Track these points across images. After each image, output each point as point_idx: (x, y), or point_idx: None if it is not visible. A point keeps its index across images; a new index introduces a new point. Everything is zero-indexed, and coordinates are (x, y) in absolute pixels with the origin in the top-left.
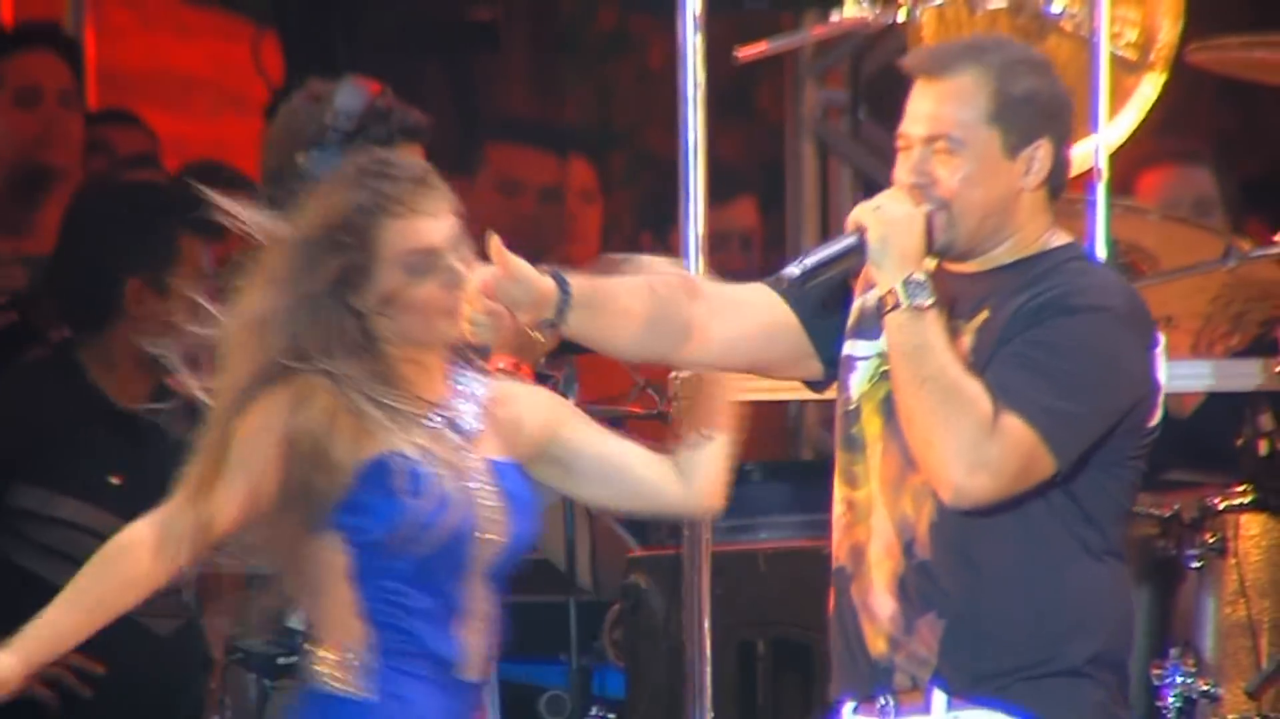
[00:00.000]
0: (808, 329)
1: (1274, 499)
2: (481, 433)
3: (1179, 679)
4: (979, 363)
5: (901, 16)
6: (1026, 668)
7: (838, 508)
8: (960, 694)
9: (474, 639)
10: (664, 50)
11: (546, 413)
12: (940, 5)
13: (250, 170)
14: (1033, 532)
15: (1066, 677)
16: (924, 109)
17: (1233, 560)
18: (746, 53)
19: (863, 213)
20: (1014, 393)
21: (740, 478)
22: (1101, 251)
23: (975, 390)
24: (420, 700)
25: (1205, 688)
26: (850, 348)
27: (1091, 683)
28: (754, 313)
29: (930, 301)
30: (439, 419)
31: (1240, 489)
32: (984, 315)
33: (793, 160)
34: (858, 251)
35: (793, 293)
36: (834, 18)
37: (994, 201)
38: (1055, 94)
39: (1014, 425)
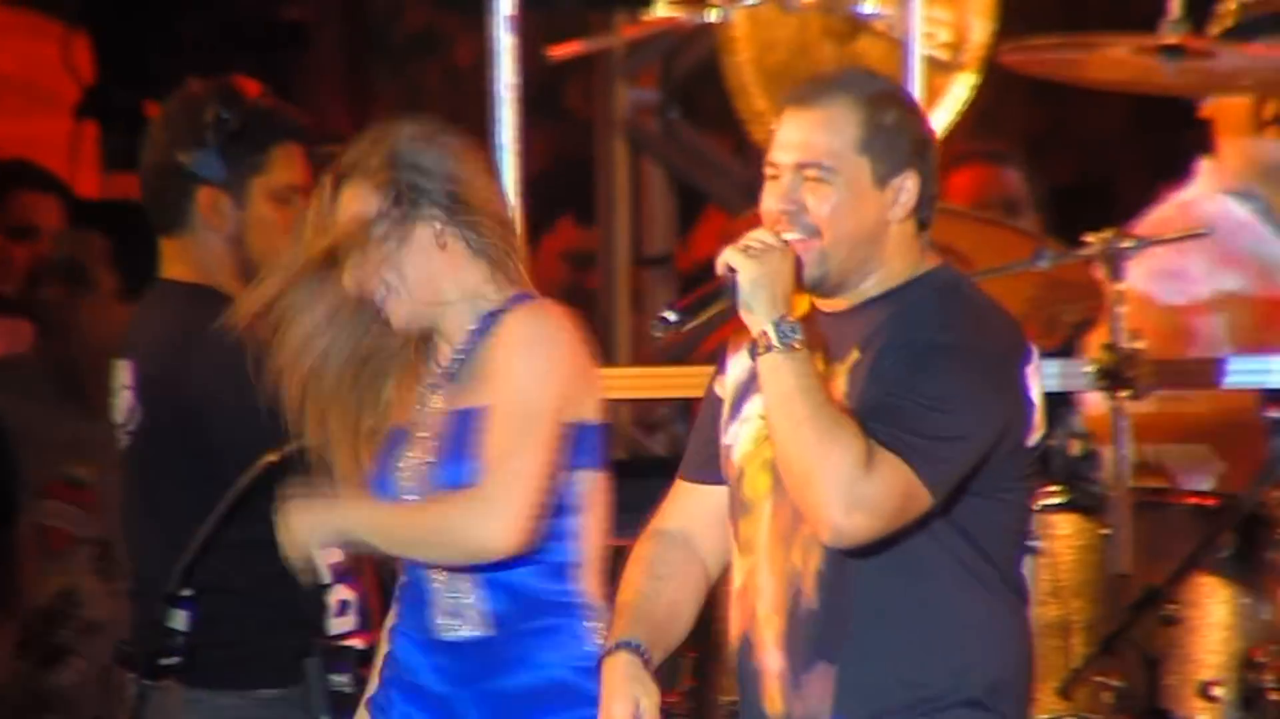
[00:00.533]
0: (708, 469)
1: (1086, 500)
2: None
3: None
4: (853, 404)
5: (713, 16)
6: (925, 703)
7: (737, 579)
8: None
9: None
10: (472, 49)
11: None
12: (752, 5)
13: (59, 170)
14: (919, 567)
15: (966, 709)
16: (794, 137)
17: (1045, 561)
18: (559, 52)
19: (731, 254)
20: (885, 430)
21: None
22: None
23: (850, 430)
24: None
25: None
26: (734, 423)
27: (991, 715)
28: (710, 523)
29: (801, 342)
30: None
31: (1052, 490)
32: (854, 355)
33: (604, 160)
34: (728, 294)
35: (703, 473)
36: (646, 18)
37: (864, 232)
38: (922, 127)
39: (888, 462)
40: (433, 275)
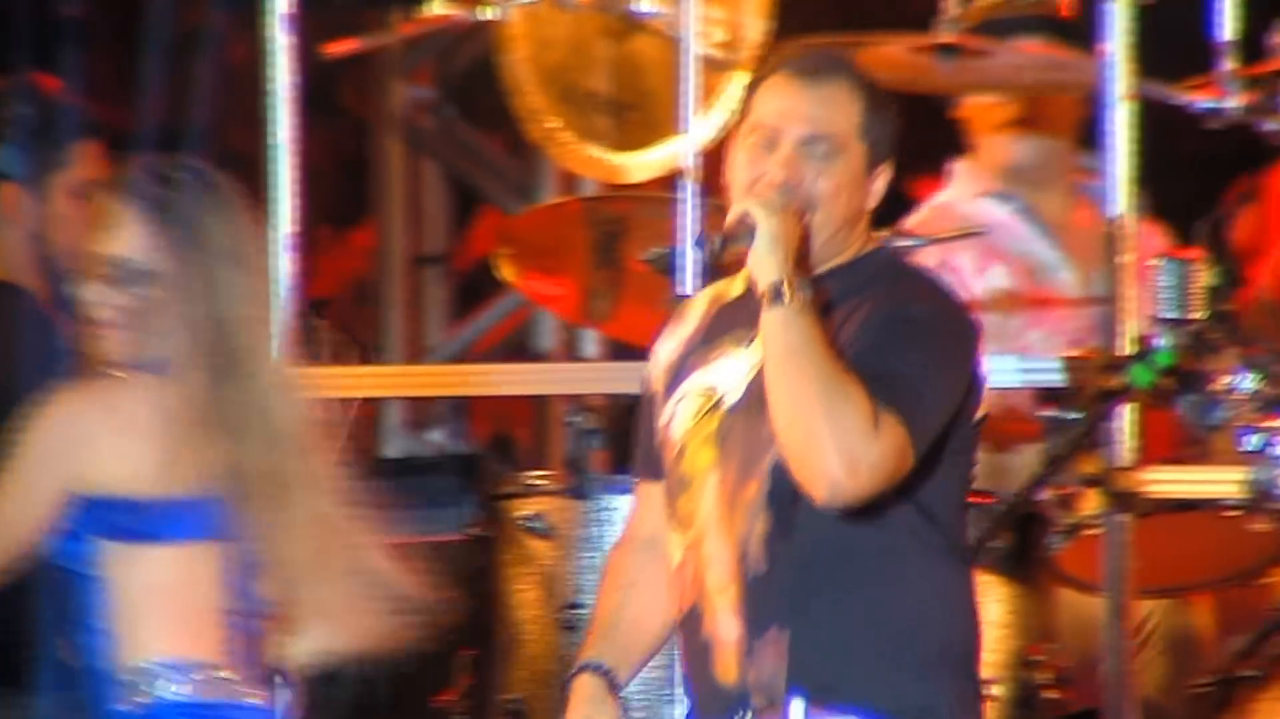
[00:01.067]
0: (660, 466)
1: None
2: None
3: None
4: None
5: (489, 14)
6: (878, 669)
7: (675, 555)
8: (818, 702)
9: None
10: (247, 47)
11: None
12: (529, 3)
13: None
14: (871, 532)
15: (918, 675)
16: (802, 109)
17: None
18: (334, 50)
19: (752, 205)
20: (885, 394)
21: None
22: (690, 254)
23: (859, 390)
24: None
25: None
26: (672, 400)
27: (943, 679)
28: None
29: (809, 300)
30: None
31: None
32: None
33: (380, 158)
34: (744, 240)
35: (657, 470)
36: (422, 15)
37: (849, 217)
38: (898, 119)
39: (890, 423)
40: None
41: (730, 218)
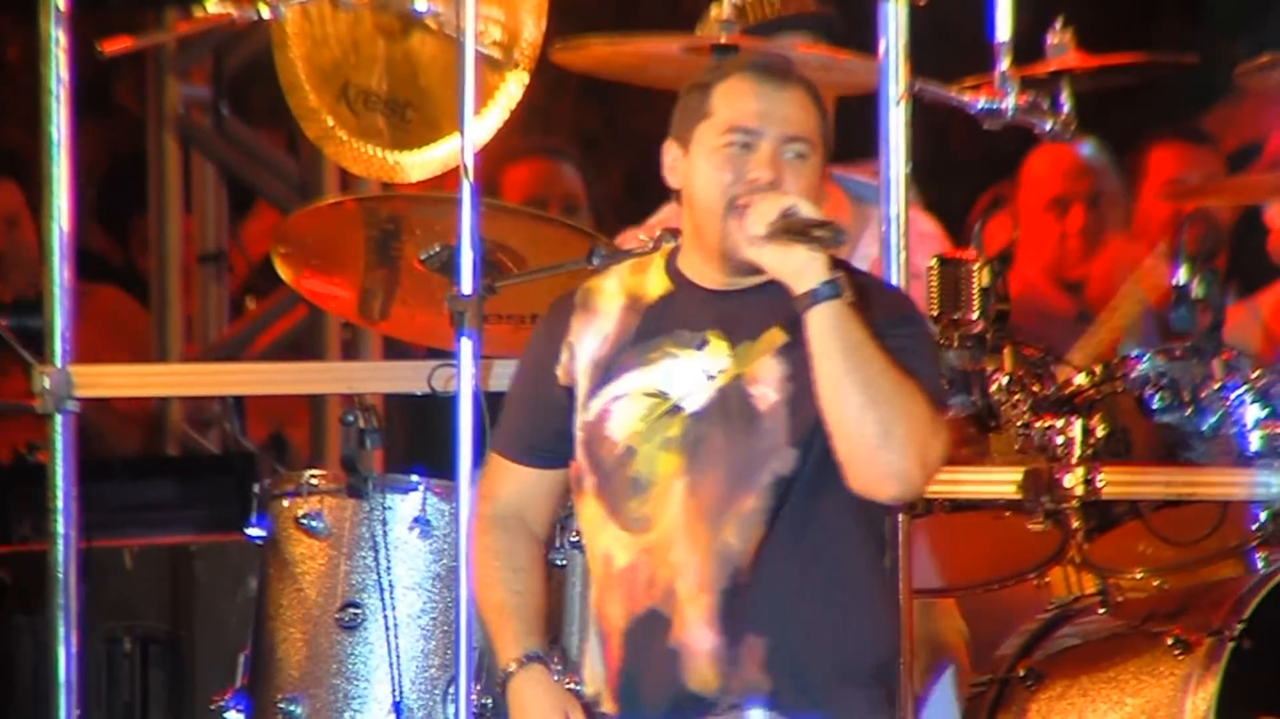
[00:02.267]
0: (551, 455)
1: None
2: None
3: None
4: (803, 384)
5: (265, 13)
6: (835, 679)
7: (621, 556)
8: (785, 709)
9: None
10: (22, 45)
11: None
12: (304, 2)
13: None
14: (838, 539)
15: (865, 684)
16: (779, 109)
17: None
18: (110, 48)
19: (795, 202)
20: (932, 395)
21: (107, 474)
22: (469, 251)
23: (916, 391)
24: None
25: (572, 685)
26: (604, 396)
27: (881, 689)
28: (543, 503)
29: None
30: None
31: None
32: (781, 337)
33: (155, 157)
34: (829, 239)
35: (537, 457)
36: (198, 13)
37: None
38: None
39: (944, 425)
40: None
41: (767, 212)
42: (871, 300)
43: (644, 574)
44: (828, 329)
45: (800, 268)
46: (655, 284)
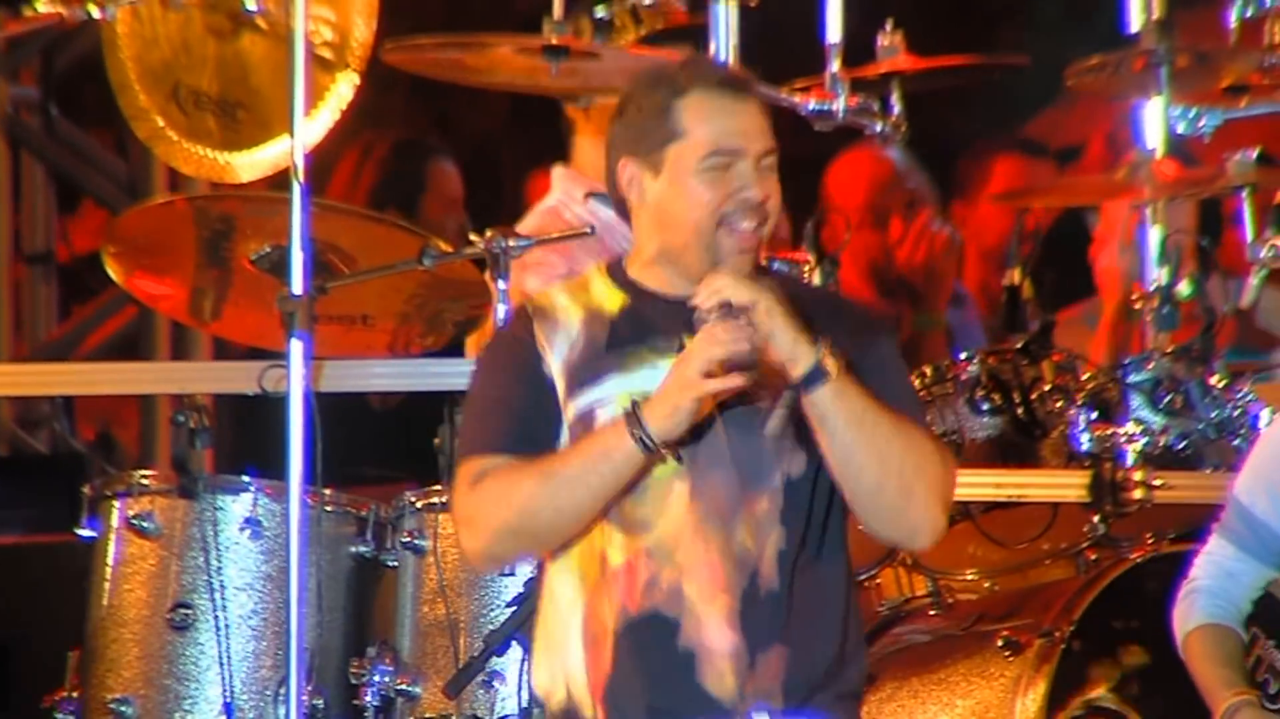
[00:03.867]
0: (543, 442)
1: None
2: None
3: (378, 678)
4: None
5: (94, 13)
6: (832, 688)
7: (617, 556)
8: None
9: None
10: None
11: None
12: (134, 2)
13: None
14: (844, 551)
15: (850, 694)
16: (755, 124)
17: (431, 559)
18: None
19: (728, 285)
20: (925, 423)
21: None
22: (300, 252)
23: (922, 431)
24: None
25: (404, 686)
26: (583, 400)
27: (856, 700)
28: None
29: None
30: None
31: (438, 488)
32: None
33: None
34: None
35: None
36: (27, 14)
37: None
38: None
39: (948, 451)
40: None
41: (706, 298)
42: (840, 317)
43: (643, 575)
44: (828, 411)
45: (788, 354)
46: (609, 298)
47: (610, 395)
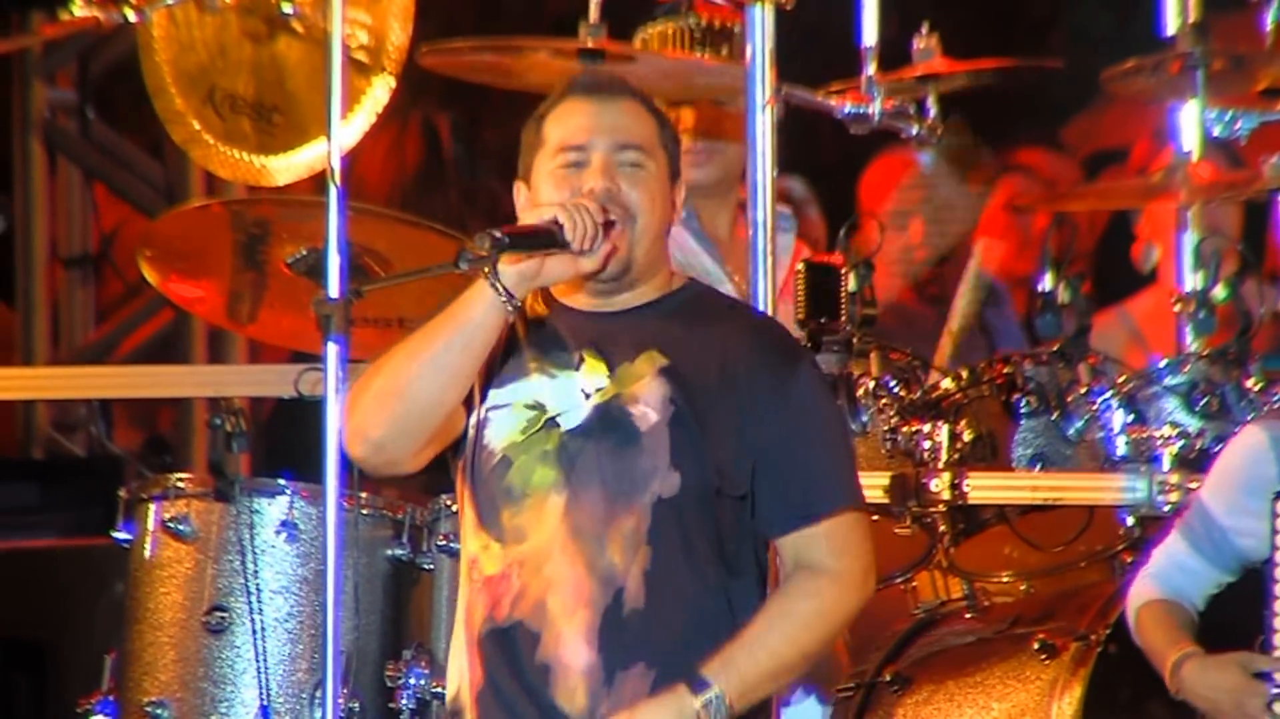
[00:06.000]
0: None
1: None
2: None
3: (414, 681)
4: (683, 407)
5: (130, 17)
6: None
7: (491, 565)
8: None
9: None
10: None
11: None
12: (170, 6)
13: None
14: (734, 572)
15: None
16: (605, 120)
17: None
18: None
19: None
20: (838, 493)
21: None
22: (336, 255)
23: (820, 618)
24: None
25: (440, 689)
26: (487, 403)
27: None
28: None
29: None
30: None
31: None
32: (660, 359)
33: (21, 160)
34: (554, 239)
35: None
36: (64, 17)
37: (663, 226)
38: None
39: (856, 534)
40: None
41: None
42: (757, 339)
43: (514, 585)
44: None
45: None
46: (537, 303)
47: (508, 401)
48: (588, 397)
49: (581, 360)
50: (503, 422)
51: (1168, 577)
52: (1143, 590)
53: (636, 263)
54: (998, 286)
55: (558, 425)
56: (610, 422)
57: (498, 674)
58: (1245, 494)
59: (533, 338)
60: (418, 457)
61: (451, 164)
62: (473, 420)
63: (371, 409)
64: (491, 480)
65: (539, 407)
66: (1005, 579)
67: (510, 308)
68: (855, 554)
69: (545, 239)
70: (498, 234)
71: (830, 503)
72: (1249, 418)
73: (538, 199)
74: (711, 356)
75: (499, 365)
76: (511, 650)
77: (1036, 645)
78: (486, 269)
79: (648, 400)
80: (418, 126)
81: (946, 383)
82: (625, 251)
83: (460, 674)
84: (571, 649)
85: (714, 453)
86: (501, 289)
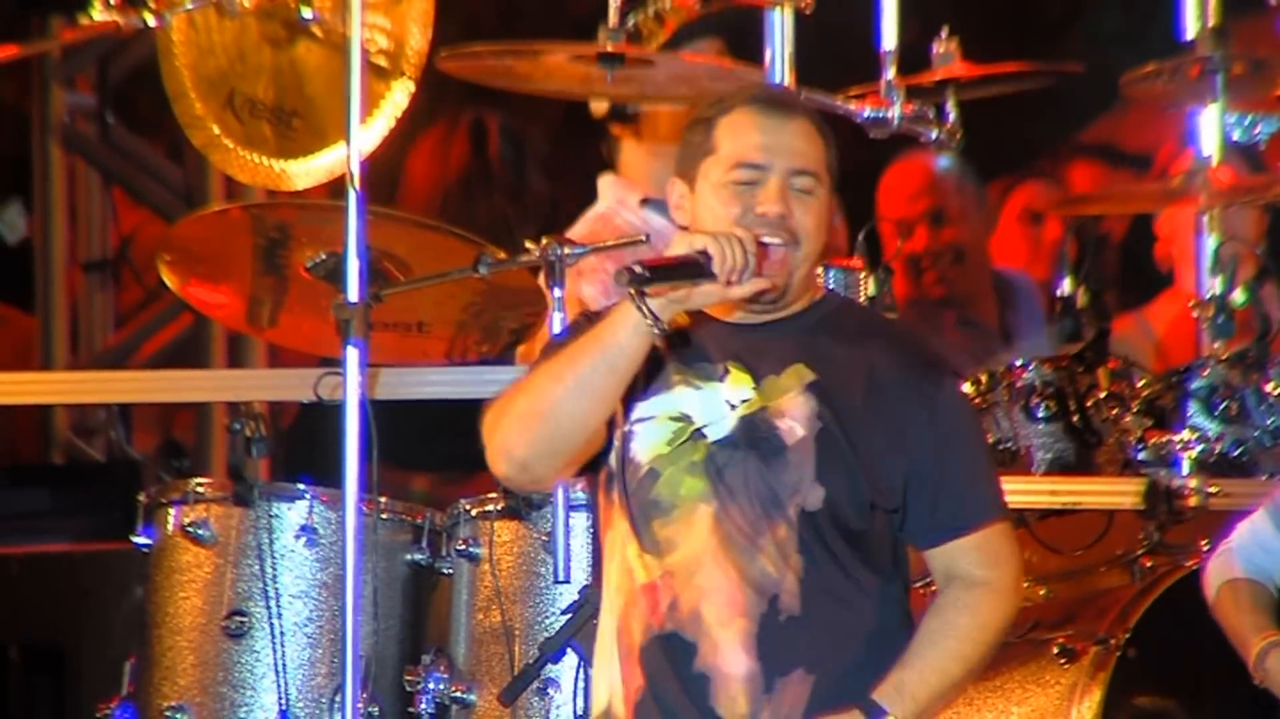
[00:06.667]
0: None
1: (524, 506)
2: None
3: (433, 685)
4: (829, 422)
5: (150, 21)
6: None
7: (641, 575)
8: None
9: None
10: None
11: None
12: (190, 10)
13: None
14: (883, 582)
15: None
16: (785, 142)
17: (486, 567)
18: None
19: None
20: (988, 506)
21: None
22: (355, 260)
23: (969, 645)
24: None
25: (459, 694)
26: (631, 417)
27: None
28: None
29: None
30: None
31: (493, 496)
32: (807, 373)
33: (40, 165)
34: (697, 274)
35: None
36: (83, 21)
37: (822, 252)
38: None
39: (1006, 545)
40: None
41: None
42: (900, 352)
43: (665, 596)
44: None
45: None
46: (680, 314)
47: (653, 414)
48: (733, 408)
49: (726, 372)
50: (649, 434)
51: (1250, 554)
52: (1224, 566)
53: (794, 286)
54: (1021, 288)
55: (704, 437)
56: (756, 434)
57: (660, 682)
58: None
59: (676, 350)
60: (560, 474)
61: (498, 165)
62: (617, 435)
63: (515, 429)
64: (640, 492)
65: (685, 418)
66: (1025, 583)
67: (656, 331)
68: (1007, 563)
69: (691, 270)
70: (638, 269)
71: (981, 515)
72: (1268, 421)
73: (701, 205)
74: (858, 371)
75: (643, 379)
76: (669, 660)
77: (1056, 650)
78: (633, 291)
79: (794, 415)
80: (467, 127)
81: (966, 388)
82: (786, 276)
83: (611, 685)
84: (730, 658)
85: (865, 468)
86: (648, 312)
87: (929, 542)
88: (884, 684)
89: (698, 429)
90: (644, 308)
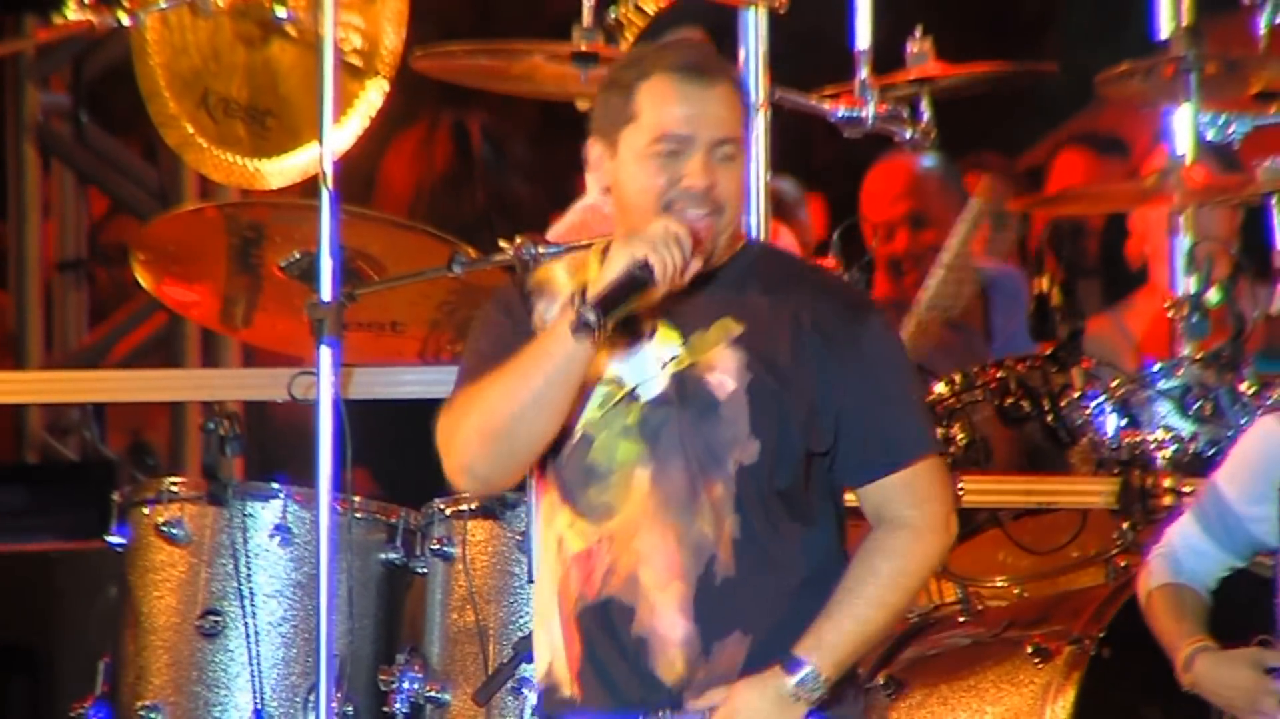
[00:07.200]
0: None
1: (499, 506)
2: None
3: (408, 685)
4: (760, 374)
5: (124, 21)
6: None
7: (576, 542)
8: None
9: None
10: None
11: None
12: (164, 9)
13: None
14: (823, 537)
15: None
16: (709, 112)
17: (460, 566)
18: None
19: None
20: (919, 441)
21: None
22: (329, 259)
23: (902, 577)
24: None
25: (433, 693)
26: None
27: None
28: None
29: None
30: None
31: (467, 495)
32: (734, 327)
33: (14, 164)
34: (642, 287)
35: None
36: (58, 21)
37: (741, 217)
38: None
39: (938, 479)
40: None
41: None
42: (827, 294)
43: (603, 561)
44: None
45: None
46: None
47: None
48: (663, 366)
49: (654, 331)
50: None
51: (1179, 559)
52: (1155, 570)
53: (717, 250)
54: (1004, 286)
55: (637, 398)
56: (687, 390)
57: (598, 648)
58: (1262, 482)
59: (619, 334)
60: (518, 477)
61: (480, 165)
62: None
63: (474, 447)
64: (573, 460)
65: (616, 382)
66: (999, 583)
67: (602, 336)
68: (936, 499)
69: (636, 286)
70: (590, 317)
71: (911, 450)
72: (1258, 414)
73: (624, 173)
74: (783, 318)
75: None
76: (608, 625)
77: (1030, 649)
78: (576, 307)
79: (724, 368)
80: (448, 127)
81: (940, 387)
82: (712, 244)
83: (553, 648)
84: (667, 621)
85: (797, 415)
86: (588, 320)
87: (860, 479)
88: (806, 636)
89: (630, 391)
90: (596, 338)
